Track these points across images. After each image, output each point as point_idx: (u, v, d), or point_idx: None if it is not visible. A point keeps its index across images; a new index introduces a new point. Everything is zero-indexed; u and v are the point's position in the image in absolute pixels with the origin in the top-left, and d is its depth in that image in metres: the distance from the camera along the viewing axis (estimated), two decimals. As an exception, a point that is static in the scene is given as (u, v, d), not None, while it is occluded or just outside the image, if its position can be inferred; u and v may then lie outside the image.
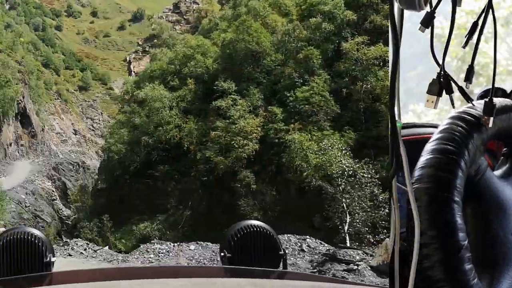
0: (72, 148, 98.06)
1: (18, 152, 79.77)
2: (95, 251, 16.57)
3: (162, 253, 15.59)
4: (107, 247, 19.78)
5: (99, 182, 51.88)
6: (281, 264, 2.02)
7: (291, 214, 26.23)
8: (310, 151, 24.98)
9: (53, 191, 66.91)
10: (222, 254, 1.99)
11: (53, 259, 1.89)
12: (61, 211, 64.33)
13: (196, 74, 37.85)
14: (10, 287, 1.76)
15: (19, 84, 78.41)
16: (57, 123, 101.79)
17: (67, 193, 69.84)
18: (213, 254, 15.30)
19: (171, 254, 15.45)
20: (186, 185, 34.11)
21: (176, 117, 35.34)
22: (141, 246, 17.21)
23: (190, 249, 15.86)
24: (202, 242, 17.26)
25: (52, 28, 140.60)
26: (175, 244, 17.05)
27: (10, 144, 76.69)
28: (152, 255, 15.32)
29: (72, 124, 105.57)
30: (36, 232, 1.93)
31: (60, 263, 11.42)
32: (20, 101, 79.95)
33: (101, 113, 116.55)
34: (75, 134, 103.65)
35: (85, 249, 16.45)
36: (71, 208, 64.74)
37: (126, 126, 39.39)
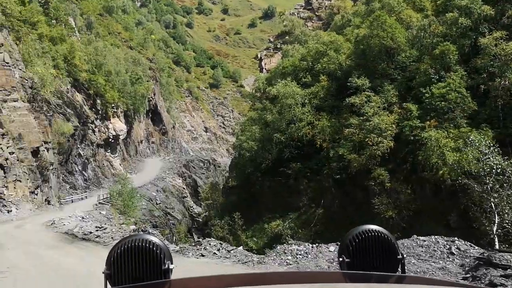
0: (203, 145, 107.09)
1: (149, 150, 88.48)
2: (228, 251, 16.97)
3: (300, 254, 15.92)
4: (241, 247, 20.49)
5: (229, 179, 57.05)
6: (400, 268, 2.15)
7: (426, 213, 27.74)
8: (447, 149, 26.24)
9: (184, 188, 73.28)
10: (341, 259, 2.14)
11: (171, 267, 2.06)
12: (191, 208, 70.42)
13: (329, 71, 40.67)
14: None
15: (150, 81, 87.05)
16: (188, 121, 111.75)
17: (198, 190, 76.21)
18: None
19: (309, 255, 15.62)
20: (319, 183, 36.96)
21: (309, 114, 38.47)
22: (278, 248, 17.55)
23: (329, 251, 15.86)
24: (342, 244, 18.95)
25: (183, 26, 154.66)
26: (314, 245, 17.33)
27: (141, 142, 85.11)
28: (289, 257, 15.61)
29: (203, 121, 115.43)
30: (154, 239, 2.08)
31: (194, 264, 14.45)
32: (151, 98, 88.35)
33: (232, 110, 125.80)
34: (206, 132, 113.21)
35: (218, 250, 16.90)
36: (202, 205, 70.94)
37: (257, 123, 43.56)
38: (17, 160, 35.45)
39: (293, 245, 17.98)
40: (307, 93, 39.81)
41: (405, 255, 2.17)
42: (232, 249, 17.38)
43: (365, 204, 32.47)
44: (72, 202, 45.08)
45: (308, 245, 17.69)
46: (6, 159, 34.54)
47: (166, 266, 2.05)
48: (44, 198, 38.42)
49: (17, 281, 12.35)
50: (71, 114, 55.44)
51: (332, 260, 14.80)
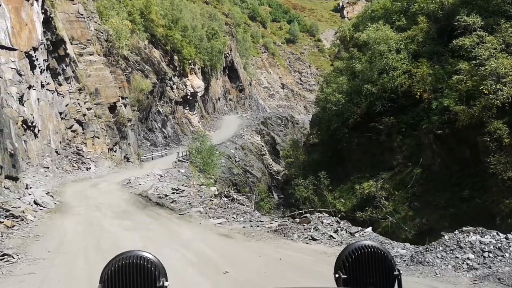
0: (280, 102, 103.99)
1: (226, 107, 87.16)
2: (351, 233, 12.26)
3: (488, 251, 9.37)
4: (370, 228, 14.14)
5: (311, 136, 53.46)
6: (396, 284, 2.09)
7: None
8: None
9: (262, 146, 71.15)
10: (337, 275, 2.08)
11: (166, 284, 1.98)
12: (270, 166, 68.47)
13: (428, 11, 35.07)
14: None
15: (226, 36, 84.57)
16: (264, 77, 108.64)
17: (276, 148, 74.01)
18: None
19: (506, 253, 9.20)
20: (416, 139, 32.30)
21: (405, 61, 33.56)
22: (446, 238, 10.30)
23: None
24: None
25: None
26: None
27: (219, 99, 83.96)
28: (471, 255, 9.37)
29: (280, 78, 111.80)
30: (149, 256, 2.00)
31: (309, 256, 10.07)
32: (227, 55, 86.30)
33: (309, 66, 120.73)
34: (283, 88, 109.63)
35: (336, 231, 12.24)
36: (281, 163, 68.58)
37: (345, 73, 39.16)
38: (95, 116, 33.76)
39: (471, 234, 10.18)
40: (402, 38, 34.62)
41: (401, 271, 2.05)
42: (357, 231, 12.41)
43: (473, 163, 27.72)
44: (152, 159, 43.79)
45: (498, 235, 10.10)
46: (84, 115, 32.88)
47: (161, 283, 1.97)
48: (123, 155, 36.84)
49: (46, 278, 9.19)
50: (149, 70, 54.06)
51: None
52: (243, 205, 16.65)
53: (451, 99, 28.65)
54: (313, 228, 12.45)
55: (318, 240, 11.56)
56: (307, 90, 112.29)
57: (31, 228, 12.95)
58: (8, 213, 12.71)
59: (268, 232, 13.07)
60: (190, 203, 17.48)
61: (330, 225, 12.91)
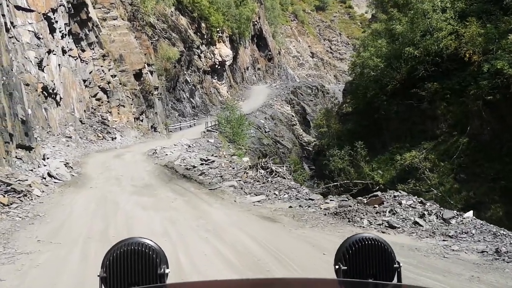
0: (309, 71, 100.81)
1: (255, 76, 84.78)
2: (445, 220, 9.19)
3: None
4: (470, 212, 10.34)
5: (344, 105, 50.88)
6: (396, 276, 2.06)
7: None
8: None
9: (292, 116, 69.00)
10: (337, 266, 2.06)
11: (167, 271, 1.95)
12: (301, 137, 66.51)
13: (476, -35, 31.92)
14: None
15: (255, 3, 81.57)
16: (293, 46, 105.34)
17: (307, 118, 71.82)
18: None
19: None
20: (462, 106, 29.58)
21: (451, 21, 30.56)
22: None
23: None
24: None
25: None
26: None
27: (247, 68, 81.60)
28: None
29: (309, 46, 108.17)
30: (150, 243, 1.97)
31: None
32: (256, 22, 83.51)
33: (340, 34, 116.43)
34: (312, 57, 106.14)
35: (422, 216, 9.34)
36: (311, 134, 66.42)
37: (384, 36, 36.27)
38: (120, 83, 32.03)
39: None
40: (449, -5, 31.62)
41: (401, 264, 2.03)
42: (453, 216, 9.19)
43: (529, 132, 25.10)
44: (181, 129, 42.26)
45: None
46: (108, 82, 31.19)
47: (162, 270, 1.94)
48: (149, 124, 35.19)
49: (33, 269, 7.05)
50: (176, 38, 52.07)
51: None
52: (284, 178, 14.04)
53: (504, 61, 25.78)
54: (389, 212, 9.35)
55: (399, 227, 8.60)
56: (338, 59, 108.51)
57: (32, 206, 10.94)
58: (9, 188, 10.94)
59: (325, 215, 10.17)
60: (221, 176, 15.19)
61: (412, 207, 9.60)
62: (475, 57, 28.11)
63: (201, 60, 59.65)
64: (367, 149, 33.50)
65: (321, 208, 10.95)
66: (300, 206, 11.30)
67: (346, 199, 11.36)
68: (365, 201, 10.45)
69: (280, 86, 78.70)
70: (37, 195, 11.69)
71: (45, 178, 13.76)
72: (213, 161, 17.55)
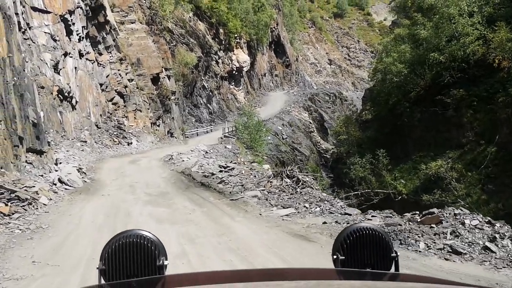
0: (327, 79, 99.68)
1: (272, 83, 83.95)
2: None
3: None
4: None
5: (363, 112, 49.75)
6: (393, 266, 2.06)
7: None
8: None
9: (310, 123, 68.08)
10: (335, 256, 2.08)
11: (165, 263, 1.94)
12: (319, 144, 65.43)
13: (505, -32, 30.70)
14: None
15: (273, 9, 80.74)
16: (311, 53, 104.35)
17: (324, 125, 70.72)
18: None
19: None
20: (490, 114, 28.30)
21: (479, 26, 29.36)
22: None
23: None
24: None
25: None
26: None
27: (264, 74, 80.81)
28: None
29: (327, 53, 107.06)
30: (148, 235, 1.95)
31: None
32: (274, 29, 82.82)
33: (358, 41, 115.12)
34: (330, 64, 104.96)
35: (492, 240, 7.59)
36: (329, 141, 65.34)
37: (407, 41, 35.12)
38: (137, 87, 31.37)
39: None
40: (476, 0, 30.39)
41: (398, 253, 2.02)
42: None
43: None
44: (197, 135, 41.56)
45: None
46: (125, 86, 30.56)
47: (161, 262, 1.92)
48: (166, 130, 34.48)
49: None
50: (194, 44, 51.57)
51: None
52: (312, 188, 12.71)
53: (537, 67, 24.58)
54: (450, 233, 7.64)
55: (465, 254, 7.00)
56: (356, 66, 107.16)
57: (36, 217, 9.90)
58: (13, 195, 10.03)
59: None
60: (242, 185, 13.93)
61: (479, 228, 7.91)
62: (505, 63, 26.89)
63: (218, 66, 59.06)
64: (389, 158, 32.40)
65: (361, 225, 9.14)
66: (336, 222, 9.82)
67: (391, 215, 9.63)
68: (418, 219, 8.81)
69: (297, 93, 78.18)
70: (43, 204, 10.74)
71: (55, 184, 12.94)
72: (233, 168, 16.46)
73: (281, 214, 10.73)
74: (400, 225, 8.33)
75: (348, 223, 9.37)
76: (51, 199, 11.30)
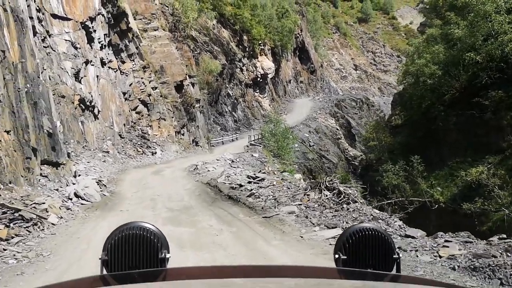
0: (353, 84, 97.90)
1: (297, 90, 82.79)
2: None
3: None
4: None
5: (393, 117, 48.01)
6: (395, 267, 2.02)
7: None
8: None
9: (337, 129, 66.61)
10: (337, 256, 2.04)
11: (167, 255, 1.91)
12: (347, 151, 63.79)
13: (545, -39, 28.89)
14: (125, 282, 1.76)
15: (297, 16, 79.70)
16: (336, 59, 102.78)
17: (352, 132, 69.09)
18: None
19: None
20: (532, 117, 26.68)
21: (517, 23, 27.68)
22: None
23: None
24: None
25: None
26: None
27: (289, 81, 79.71)
28: None
29: (352, 59, 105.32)
30: (151, 227, 1.95)
31: None
32: (298, 35, 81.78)
33: (383, 45, 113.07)
34: (355, 70, 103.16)
35: None
36: (357, 148, 63.67)
37: (440, 41, 33.43)
38: (160, 96, 30.50)
39: None
40: (514, -5, 28.65)
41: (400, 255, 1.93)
42: None
43: None
44: (223, 143, 40.56)
45: None
46: (149, 95, 29.71)
47: (163, 255, 1.90)
48: (191, 138, 33.49)
49: None
50: (218, 51, 50.80)
51: None
52: (356, 202, 10.93)
53: None
54: None
55: None
56: (382, 71, 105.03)
57: (39, 241, 8.46)
58: (16, 215, 8.80)
59: (454, 269, 6.46)
60: (275, 198, 12.19)
61: None
62: (548, 61, 25.08)
63: (243, 73, 58.18)
64: (425, 164, 30.77)
65: (440, 257, 7.16)
66: (400, 248, 7.48)
67: (471, 239, 7.38)
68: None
69: (323, 99, 77.17)
70: (51, 223, 9.48)
71: (70, 199, 11.87)
72: (263, 178, 14.89)
73: (327, 237, 9.02)
74: (495, 256, 6.30)
75: (417, 250, 7.52)
76: (61, 217, 10.06)
